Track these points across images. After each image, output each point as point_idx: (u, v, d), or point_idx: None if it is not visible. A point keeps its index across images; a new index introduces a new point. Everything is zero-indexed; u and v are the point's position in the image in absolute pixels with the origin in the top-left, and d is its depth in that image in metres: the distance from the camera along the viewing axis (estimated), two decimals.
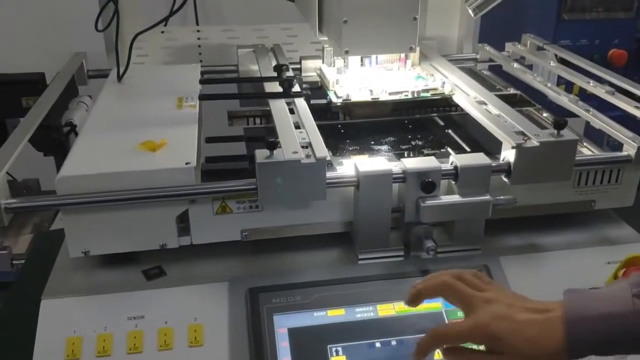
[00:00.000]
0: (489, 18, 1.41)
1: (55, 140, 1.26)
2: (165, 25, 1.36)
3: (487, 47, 1.49)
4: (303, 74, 1.39)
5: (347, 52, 1.09)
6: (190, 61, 1.48)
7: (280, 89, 1.12)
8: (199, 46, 1.54)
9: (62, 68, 1.34)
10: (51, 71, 1.38)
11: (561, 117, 0.96)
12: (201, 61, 1.51)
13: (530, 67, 1.43)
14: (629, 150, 1.00)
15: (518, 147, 0.92)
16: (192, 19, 2.02)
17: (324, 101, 1.18)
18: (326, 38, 1.19)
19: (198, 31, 1.55)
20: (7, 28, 2.04)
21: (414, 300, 0.76)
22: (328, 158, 0.88)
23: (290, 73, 1.24)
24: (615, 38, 1.79)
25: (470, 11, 1.16)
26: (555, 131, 0.94)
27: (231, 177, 0.92)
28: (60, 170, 0.88)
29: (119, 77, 1.23)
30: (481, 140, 1.18)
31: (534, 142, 0.92)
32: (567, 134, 0.93)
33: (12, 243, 1.20)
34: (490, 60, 1.48)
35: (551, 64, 1.34)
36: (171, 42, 1.52)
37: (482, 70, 1.49)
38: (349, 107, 1.18)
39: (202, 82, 1.20)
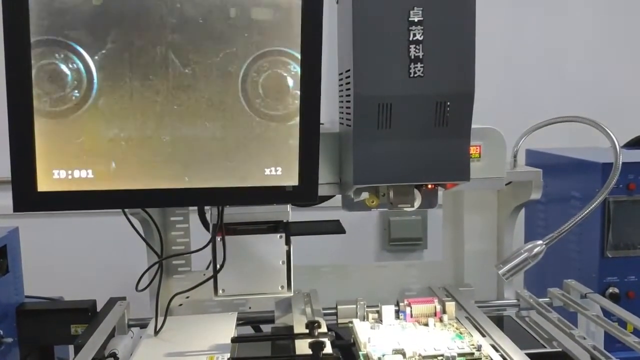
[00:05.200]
0: None
1: None
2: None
3: (527, 294, 1.46)
4: (340, 320, 1.37)
5: (223, 291, 1.21)
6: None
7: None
8: None
9: (108, 316, 1.38)
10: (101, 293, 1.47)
11: None
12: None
13: (575, 313, 1.38)
14: None
15: None
16: None
17: None
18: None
19: None
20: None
21: None
22: None
23: (323, 328, 1.23)
24: None
25: (501, 275, 1.16)
26: None
27: None
28: None
29: (156, 332, 1.26)
30: None
31: None
32: None
33: None
34: (532, 306, 1.44)
35: (596, 318, 1.28)
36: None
37: (525, 317, 1.45)
38: None
39: (233, 340, 1.20)
